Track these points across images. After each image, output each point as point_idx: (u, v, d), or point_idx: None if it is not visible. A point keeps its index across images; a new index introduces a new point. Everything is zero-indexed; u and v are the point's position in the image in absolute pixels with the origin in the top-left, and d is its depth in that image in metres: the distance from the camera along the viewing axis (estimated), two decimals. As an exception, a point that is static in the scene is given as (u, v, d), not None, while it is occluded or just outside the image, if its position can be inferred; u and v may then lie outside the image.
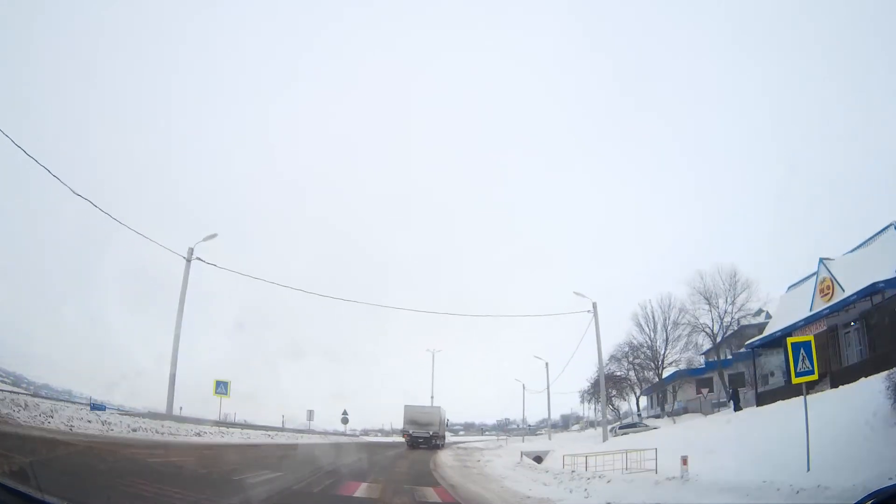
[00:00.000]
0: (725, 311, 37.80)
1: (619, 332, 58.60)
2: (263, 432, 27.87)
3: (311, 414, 37.89)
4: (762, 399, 29.07)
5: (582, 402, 60.21)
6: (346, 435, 45.67)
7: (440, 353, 56.53)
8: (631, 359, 50.16)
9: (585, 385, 58.40)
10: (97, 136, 68.72)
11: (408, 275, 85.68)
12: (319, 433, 38.79)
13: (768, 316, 48.07)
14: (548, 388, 44.81)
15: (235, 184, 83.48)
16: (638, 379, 51.41)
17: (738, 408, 29.63)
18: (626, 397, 56.27)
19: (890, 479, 6.59)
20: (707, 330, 39.49)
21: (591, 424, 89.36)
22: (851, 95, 71.12)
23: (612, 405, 57.85)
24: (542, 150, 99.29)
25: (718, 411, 39.26)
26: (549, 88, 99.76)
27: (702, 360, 50.70)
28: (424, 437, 34.39)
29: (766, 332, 30.60)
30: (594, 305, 29.27)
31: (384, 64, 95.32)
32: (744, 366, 45.07)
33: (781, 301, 32.26)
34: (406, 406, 36.58)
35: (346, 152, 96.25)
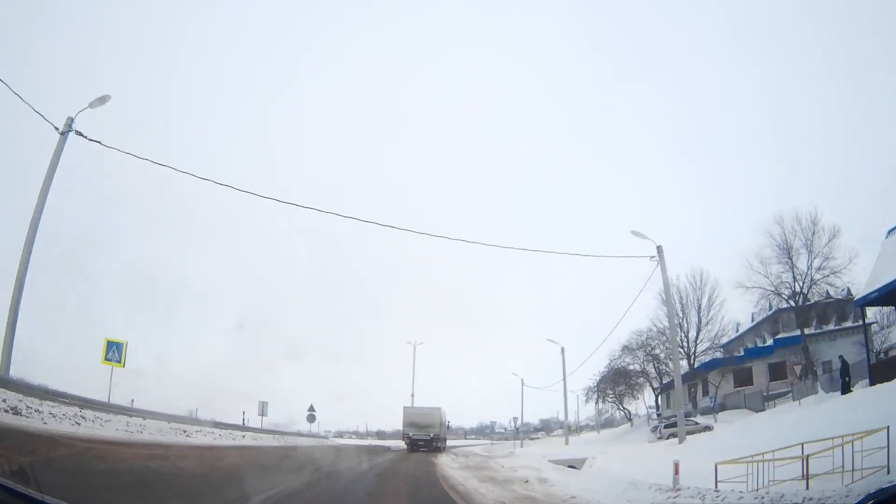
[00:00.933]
0: (809, 267, 28.77)
1: (629, 321, 49.85)
2: (182, 426, 17.88)
3: (263, 407, 27.84)
4: (878, 374, 20.52)
5: (588, 401, 51.02)
6: (312, 436, 35.56)
7: (423, 355, 52.32)
8: (649, 349, 41.39)
9: (588, 383, 49.56)
10: (96, 135, 62.60)
11: (406, 273, 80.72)
12: (277, 432, 28.64)
13: (804, 299, 40.46)
14: (564, 379, 35.52)
15: (233, 183, 74.81)
16: (658, 372, 42.54)
17: (847, 389, 20.91)
18: (639, 395, 47.37)
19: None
20: (784, 293, 30.39)
21: (585, 427, 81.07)
22: (851, 95, 67.43)
23: (621, 404, 48.96)
24: (541, 148, 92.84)
25: (774, 405, 30.63)
26: (548, 88, 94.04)
27: (719, 353, 42.48)
28: (425, 439, 31.95)
29: (875, 286, 22.02)
30: (659, 249, 20.37)
31: (384, 64, 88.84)
32: (789, 352, 36.78)
33: (883, 247, 23.73)
34: (405, 408, 34.32)
35: (345, 151, 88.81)
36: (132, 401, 18.82)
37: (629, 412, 49.00)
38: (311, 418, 35.00)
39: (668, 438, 26.59)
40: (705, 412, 36.31)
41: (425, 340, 50.80)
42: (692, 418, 28.97)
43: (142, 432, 14.93)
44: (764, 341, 42.50)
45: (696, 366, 37.40)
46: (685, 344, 37.57)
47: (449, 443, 44.37)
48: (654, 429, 27.66)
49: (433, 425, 32.77)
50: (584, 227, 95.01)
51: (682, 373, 40.55)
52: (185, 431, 17.43)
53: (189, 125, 78.52)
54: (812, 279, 28.98)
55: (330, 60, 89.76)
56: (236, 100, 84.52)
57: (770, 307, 39.23)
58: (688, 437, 26.17)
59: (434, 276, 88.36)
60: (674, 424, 28.17)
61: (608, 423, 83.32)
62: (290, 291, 69.71)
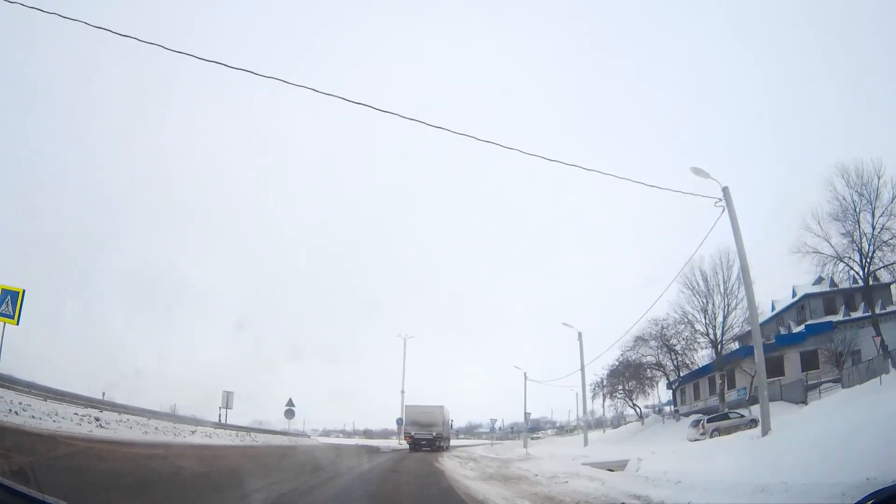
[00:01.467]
0: (874, 226, 23.92)
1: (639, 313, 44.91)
2: (99, 413, 12.71)
3: (227, 398, 22.54)
4: None
5: (595, 397, 46.23)
6: (291, 434, 30.26)
7: (416, 356, 51.16)
8: (666, 338, 36.79)
9: (594, 378, 44.91)
10: (95, 136, 62.27)
11: (406, 273, 79.12)
12: (245, 429, 23.32)
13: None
14: (582, 369, 30.38)
15: (230, 183, 75.46)
16: (675, 365, 37.92)
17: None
18: (650, 391, 42.67)
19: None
20: (847, 258, 25.59)
21: (575, 427, 76.16)
22: (851, 95, 65.64)
23: (631, 401, 44.20)
24: (541, 147, 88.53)
25: (819, 395, 26.11)
26: (548, 88, 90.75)
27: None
28: (427, 438, 30.57)
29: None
30: (725, 191, 15.60)
31: (383, 64, 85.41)
32: (821, 339, 32.42)
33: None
34: (407, 406, 33.59)
35: (344, 151, 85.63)
36: (103, 393, 17.19)
37: (640, 409, 44.32)
38: (290, 414, 29.78)
39: (712, 435, 21.94)
40: (734, 406, 31.75)
41: (420, 341, 48.14)
42: (736, 410, 24.36)
43: (17, 414, 9.83)
44: (789, 330, 38.23)
45: (723, 354, 32.77)
46: (710, 330, 33.00)
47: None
48: (696, 423, 22.90)
49: (436, 424, 31.28)
50: (586, 225, 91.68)
51: (707, 363, 36.15)
52: (97, 420, 12.25)
53: (185, 124, 76.54)
54: (877, 241, 24.19)
55: (329, 60, 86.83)
56: (234, 100, 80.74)
57: (794, 295, 34.99)
58: (735, 433, 21.56)
59: (432, 278, 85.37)
60: (719, 417, 23.55)
61: (598, 424, 79.11)
62: (284, 290, 67.11)
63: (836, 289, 37.37)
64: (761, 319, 40.45)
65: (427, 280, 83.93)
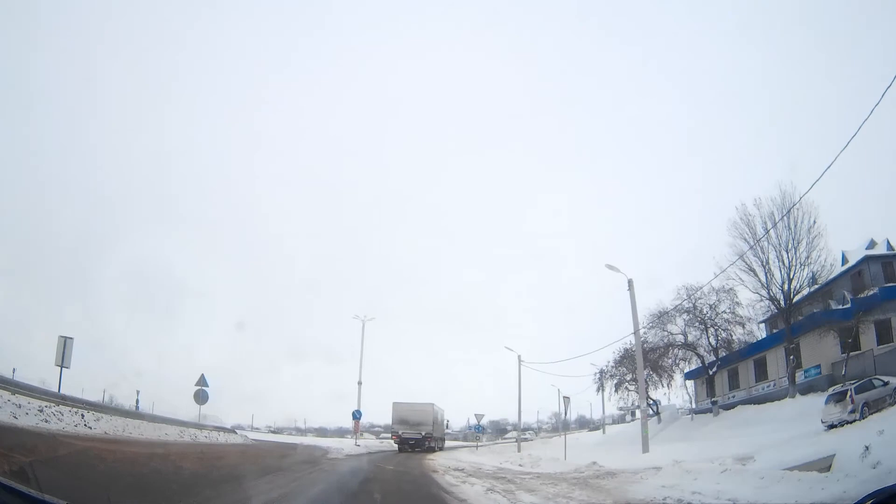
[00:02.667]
0: None
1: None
2: None
3: (63, 347, 12.62)
4: None
5: (600, 389, 38.00)
6: (197, 427, 20.07)
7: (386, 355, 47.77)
8: (706, 309, 29.10)
9: (593, 368, 36.80)
10: (95, 136, 61.65)
11: (406, 274, 79.60)
12: (100, 409, 13.36)
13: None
14: (636, 331, 20.80)
15: (228, 182, 75.22)
16: (713, 344, 30.12)
17: None
18: (669, 381, 34.71)
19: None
20: None
21: (540, 430, 68.60)
22: (853, 95, 64.44)
23: (645, 393, 36.01)
24: (541, 148, 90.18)
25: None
26: (552, 86, 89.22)
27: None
28: (416, 438, 29.12)
29: None
30: None
31: (381, 64, 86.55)
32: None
33: None
34: (394, 403, 30.83)
35: (343, 152, 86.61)
36: (13, 370, 14.48)
37: (657, 403, 36.23)
38: (201, 397, 19.77)
39: (863, 412, 13.84)
40: (807, 390, 24.09)
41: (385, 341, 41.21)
42: (879, 377, 16.36)
43: None
44: (844, 301, 31.15)
45: (792, 323, 25.13)
46: (771, 290, 25.36)
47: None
48: (840, 397, 14.53)
49: (425, 422, 29.79)
50: (580, 228, 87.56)
51: (774, 331, 28.45)
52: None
53: (185, 124, 74.71)
54: None
55: (326, 58, 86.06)
56: (230, 100, 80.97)
57: (844, 262, 28.20)
58: (885, 408, 13.67)
59: (446, 278, 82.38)
60: (865, 387, 15.40)
61: (562, 426, 71.88)
62: (265, 287, 64.15)
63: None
64: (801, 295, 32.89)
65: (444, 275, 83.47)
